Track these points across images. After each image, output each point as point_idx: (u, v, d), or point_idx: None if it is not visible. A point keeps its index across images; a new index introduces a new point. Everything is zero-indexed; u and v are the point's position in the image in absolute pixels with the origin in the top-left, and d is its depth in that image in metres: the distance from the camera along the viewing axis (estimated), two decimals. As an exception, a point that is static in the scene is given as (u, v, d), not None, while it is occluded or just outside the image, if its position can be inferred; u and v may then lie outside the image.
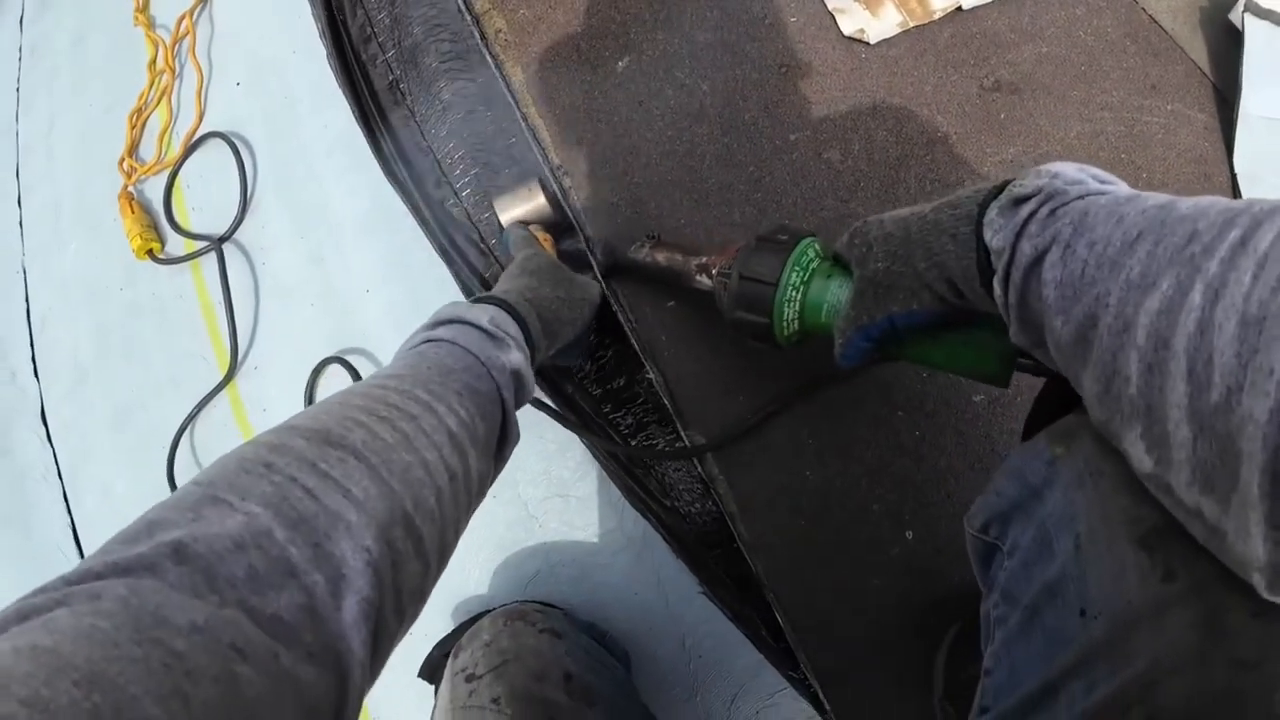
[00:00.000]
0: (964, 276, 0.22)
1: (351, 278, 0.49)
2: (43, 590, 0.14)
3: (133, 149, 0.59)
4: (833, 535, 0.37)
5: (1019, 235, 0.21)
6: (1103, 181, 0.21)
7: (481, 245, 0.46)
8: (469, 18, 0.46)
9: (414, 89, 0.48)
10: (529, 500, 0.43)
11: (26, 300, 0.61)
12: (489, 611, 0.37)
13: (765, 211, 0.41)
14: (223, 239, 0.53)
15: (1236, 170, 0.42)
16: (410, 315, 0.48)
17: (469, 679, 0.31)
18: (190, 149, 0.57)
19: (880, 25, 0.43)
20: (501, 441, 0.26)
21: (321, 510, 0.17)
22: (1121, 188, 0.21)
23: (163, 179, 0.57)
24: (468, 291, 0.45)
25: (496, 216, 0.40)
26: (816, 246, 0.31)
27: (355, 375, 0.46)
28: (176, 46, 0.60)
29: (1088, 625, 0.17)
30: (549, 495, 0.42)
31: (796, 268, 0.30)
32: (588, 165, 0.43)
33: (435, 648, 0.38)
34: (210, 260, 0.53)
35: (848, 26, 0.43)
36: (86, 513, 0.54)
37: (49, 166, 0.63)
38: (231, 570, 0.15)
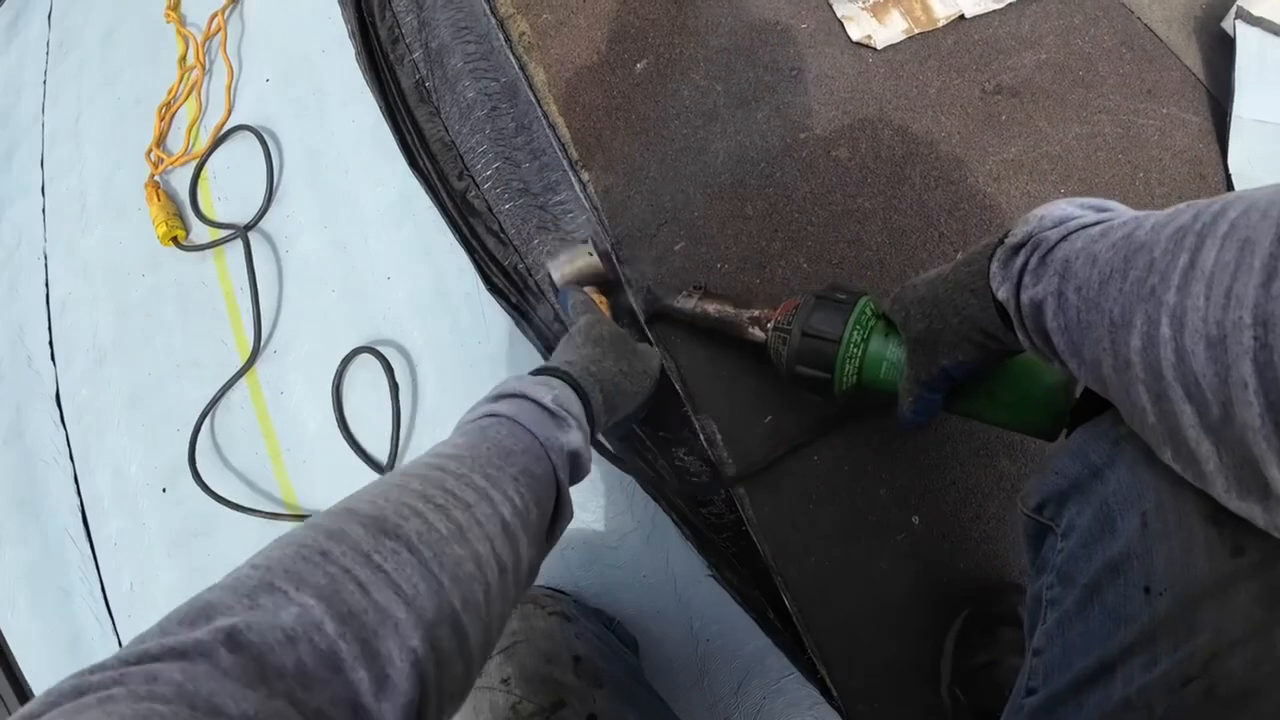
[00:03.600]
0: (991, 326, 0.25)
1: (374, 265, 0.53)
2: (100, 668, 0.14)
3: (160, 140, 0.65)
4: (840, 519, 0.40)
5: (1018, 286, 0.23)
6: (1099, 210, 0.23)
7: (500, 235, 0.50)
8: (494, 21, 0.52)
9: (439, 87, 0.54)
10: (542, 482, 0.46)
11: (46, 285, 0.65)
12: None
13: (776, 206, 0.46)
14: (248, 226, 0.57)
15: (1231, 171, 0.46)
16: (431, 301, 0.52)
17: None
18: (218, 141, 0.62)
19: (886, 32, 0.48)
20: (554, 521, 0.27)
21: (372, 606, 0.18)
22: (1114, 214, 0.22)
23: (189, 170, 0.62)
24: (486, 279, 0.49)
25: (549, 275, 0.43)
26: (872, 305, 0.35)
27: (385, 364, 0.49)
28: (207, 43, 0.66)
29: (1152, 602, 0.17)
30: (562, 478, 0.45)
31: (858, 326, 0.34)
32: (605, 160, 0.48)
33: None
34: (233, 248, 0.57)
35: (855, 33, 0.48)
36: (96, 494, 0.57)
37: (76, 156, 0.69)
38: (282, 661, 0.16)
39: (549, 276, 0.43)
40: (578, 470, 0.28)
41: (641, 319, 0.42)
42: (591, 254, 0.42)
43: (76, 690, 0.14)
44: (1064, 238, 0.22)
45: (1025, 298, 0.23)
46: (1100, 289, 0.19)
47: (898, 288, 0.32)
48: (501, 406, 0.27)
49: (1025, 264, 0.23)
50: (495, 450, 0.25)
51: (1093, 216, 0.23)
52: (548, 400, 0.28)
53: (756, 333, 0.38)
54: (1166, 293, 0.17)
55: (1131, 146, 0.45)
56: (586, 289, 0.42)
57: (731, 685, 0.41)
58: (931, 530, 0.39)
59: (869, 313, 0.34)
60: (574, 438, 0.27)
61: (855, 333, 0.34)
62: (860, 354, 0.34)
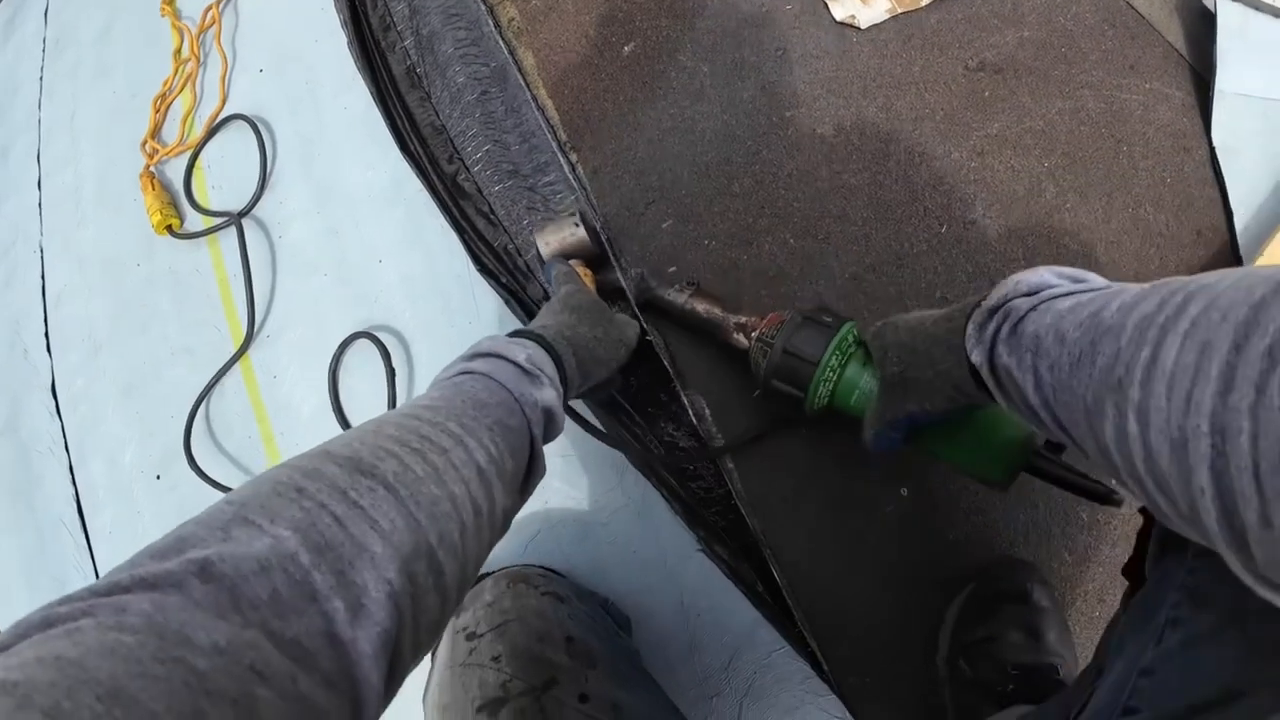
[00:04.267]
0: (963, 383, 0.26)
1: (366, 249, 0.54)
2: (69, 600, 0.14)
3: (155, 131, 0.66)
4: (828, 492, 0.40)
5: (992, 353, 0.23)
6: (1075, 280, 0.23)
7: (490, 216, 0.51)
8: (483, 7, 0.52)
9: (430, 73, 0.54)
10: (533, 460, 0.47)
11: (42, 278, 0.66)
12: (491, 573, 0.39)
13: (763, 183, 0.46)
14: (242, 213, 0.58)
15: (1215, 144, 0.46)
16: (423, 284, 0.52)
17: (470, 637, 0.33)
18: (212, 131, 0.62)
19: (870, 12, 0.49)
20: (528, 476, 0.27)
21: (348, 539, 0.17)
22: (1087, 283, 0.22)
23: (184, 161, 0.63)
24: (477, 260, 0.49)
25: (537, 249, 0.43)
26: (855, 333, 0.35)
27: (383, 349, 0.49)
28: (202, 36, 0.67)
29: None
30: (549, 454, 0.45)
31: (837, 351, 0.34)
32: (594, 141, 0.48)
33: None
34: (227, 235, 0.58)
35: (839, 13, 0.49)
36: (91, 483, 0.57)
37: (72, 150, 0.69)
38: (255, 591, 0.15)
39: (536, 249, 0.43)
40: (551, 427, 0.29)
41: (633, 302, 0.42)
42: (578, 226, 0.42)
43: (45, 622, 0.14)
44: (1034, 308, 0.22)
45: (999, 365, 0.23)
46: (1071, 371, 0.19)
47: (880, 322, 0.33)
48: (476, 364, 0.27)
49: (997, 331, 0.23)
50: (470, 402, 0.25)
51: (1067, 286, 0.23)
52: (521, 358, 0.28)
53: (740, 339, 0.38)
54: (1131, 387, 0.17)
55: (1115, 121, 0.46)
56: (572, 262, 0.43)
57: (722, 660, 0.41)
58: (920, 502, 0.40)
59: (851, 339, 0.35)
60: (547, 394, 0.28)
61: (834, 357, 0.34)
62: (835, 379, 0.34)
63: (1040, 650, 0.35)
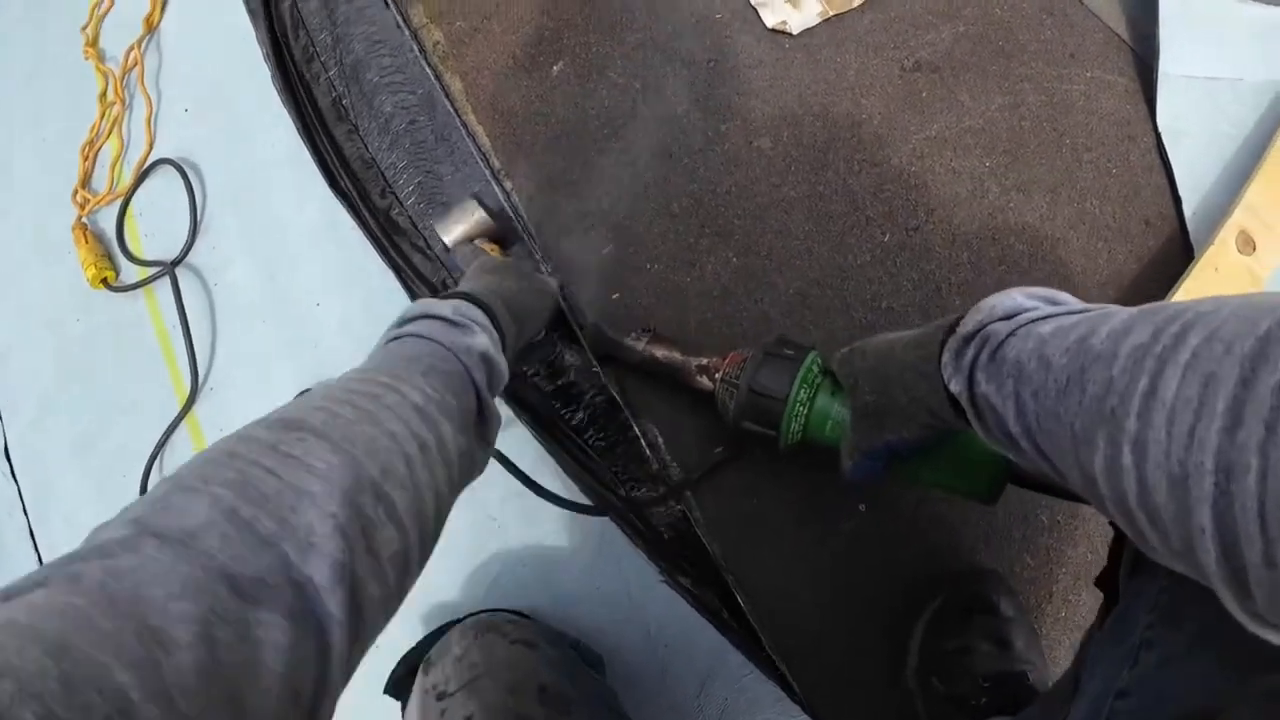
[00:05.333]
0: (941, 410, 0.25)
1: (303, 292, 0.51)
2: (28, 576, 0.14)
3: (86, 180, 0.62)
4: (786, 511, 0.38)
5: (971, 381, 0.22)
6: (1050, 302, 0.22)
7: (427, 251, 0.48)
8: (407, 32, 0.49)
9: (356, 104, 0.51)
10: (487, 501, 0.45)
11: (-14, 338, 0.62)
12: (457, 622, 0.38)
13: (701, 202, 0.44)
14: (175, 262, 0.55)
15: (1160, 128, 0.44)
16: (363, 326, 0.49)
17: (440, 696, 0.32)
18: (141, 177, 0.59)
19: (801, 16, 0.46)
20: (483, 424, 0.26)
21: (285, 486, 0.17)
22: (1064, 305, 0.22)
23: (115, 209, 0.59)
24: (415, 298, 0.47)
25: (440, 240, 0.42)
26: (820, 362, 0.34)
27: None
28: (126, 77, 0.63)
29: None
30: (507, 495, 0.44)
31: (804, 384, 0.33)
32: (528, 167, 0.46)
33: (400, 662, 0.38)
34: (163, 286, 0.55)
35: (770, 19, 0.46)
36: (52, 544, 0.55)
37: (8, 203, 0.66)
38: (207, 543, 0.16)
39: (440, 241, 0.42)
40: (494, 374, 0.28)
41: (589, 355, 0.40)
42: (478, 208, 0.40)
43: (3, 595, 0.14)
44: (1013, 332, 0.21)
45: (979, 394, 0.22)
46: (1058, 399, 0.19)
47: (845, 348, 0.31)
48: (404, 329, 0.27)
49: (976, 358, 0.22)
50: (398, 358, 0.25)
51: (1044, 309, 0.22)
52: (447, 312, 0.27)
53: (704, 382, 0.37)
54: (1127, 419, 0.16)
55: (1056, 113, 0.44)
56: (477, 242, 0.41)
57: (694, 687, 0.40)
58: (879, 517, 0.38)
59: (816, 370, 0.33)
60: (480, 340, 0.27)
61: (802, 391, 0.33)
62: (806, 412, 0.33)
63: (1010, 659, 0.34)
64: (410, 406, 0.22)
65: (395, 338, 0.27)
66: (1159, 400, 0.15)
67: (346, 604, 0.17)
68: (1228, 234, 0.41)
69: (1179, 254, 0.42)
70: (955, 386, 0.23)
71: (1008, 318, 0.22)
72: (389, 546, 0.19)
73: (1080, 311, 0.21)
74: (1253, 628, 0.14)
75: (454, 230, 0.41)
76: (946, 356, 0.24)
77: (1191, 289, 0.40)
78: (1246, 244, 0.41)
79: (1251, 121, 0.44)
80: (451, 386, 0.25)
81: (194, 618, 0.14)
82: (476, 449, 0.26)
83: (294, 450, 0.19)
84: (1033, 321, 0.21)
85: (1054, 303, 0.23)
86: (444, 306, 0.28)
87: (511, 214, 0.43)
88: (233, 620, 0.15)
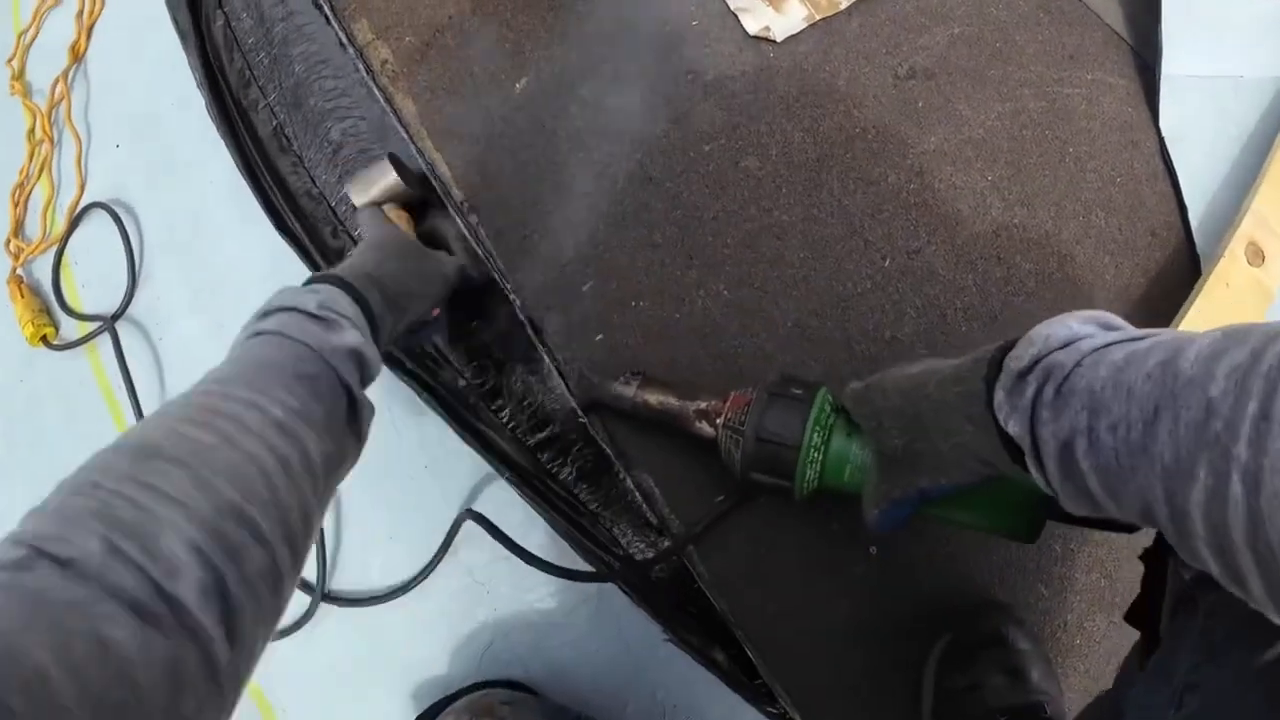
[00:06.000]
0: (993, 455, 0.22)
1: (256, 345, 0.46)
2: None
3: (18, 228, 0.55)
4: (794, 561, 0.35)
5: (1034, 420, 0.20)
6: (1105, 326, 0.21)
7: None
8: (352, 50, 0.43)
9: (300, 133, 0.45)
10: (472, 566, 0.41)
11: (-81, 402, 0.56)
12: (452, 701, 0.35)
13: (687, 230, 0.40)
14: (114, 317, 0.49)
15: (1163, 133, 0.41)
16: (327, 378, 0.45)
17: None
18: (74, 223, 0.53)
19: (786, 21, 0.41)
20: (354, 419, 0.26)
21: (146, 517, 0.18)
22: (1124, 330, 0.20)
23: (50, 257, 0.53)
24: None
25: (350, 201, 0.39)
26: (831, 399, 0.30)
27: None
28: (53, 113, 0.56)
29: None
30: (493, 558, 0.40)
31: (817, 427, 0.29)
32: (494, 197, 0.41)
33: None
34: (106, 342, 0.49)
35: (752, 25, 0.42)
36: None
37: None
38: (85, 566, 0.17)
39: (350, 203, 0.38)
40: (365, 368, 0.27)
41: (577, 406, 0.36)
42: (392, 173, 0.37)
43: None
44: (1079, 362, 0.20)
45: (1046, 434, 0.20)
46: (1145, 430, 0.17)
47: (859, 383, 0.28)
48: (266, 323, 0.26)
49: (1038, 394, 0.20)
50: (260, 365, 0.24)
51: (1103, 336, 0.20)
52: (312, 306, 0.26)
53: (705, 428, 0.33)
54: (1235, 444, 0.15)
55: (1057, 121, 0.40)
56: (386, 207, 0.38)
57: None
58: (890, 559, 0.35)
59: (828, 409, 0.30)
60: (348, 337, 0.26)
61: (815, 435, 0.29)
62: (821, 458, 0.29)
63: (1026, 690, 0.32)
64: (271, 424, 0.22)
65: (257, 333, 0.26)
66: (1275, 424, 0.14)
67: (221, 619, 0.18)
68: (1237, 246, 0.38)
69: (1186, 266, 0.40)
70: (1014, 429, 0.21)
71: (1066, 345, 0.20)
72: (257, 564, 0.20)
73: (1145, 336, 0.19)
74: None
75: (364, 192, 0.38)
76: (999, 396, 0.21)
77: (1204, 306, 0.37)
78: (1256, 255, 0.38)
79: (1254, 120, 0.41)
80: (316, 391, 0.24)
81: (90, 619, 0.16)
82: (348, 446, 0.26)
83: (153, 480, 0.19)
84: (1099, 349, 0.19)
85: (1110, 327, 0.21)
86: (309, 299, 0.26)
87: (432, 177, 0.39)
88: (121, 624, 0.16)
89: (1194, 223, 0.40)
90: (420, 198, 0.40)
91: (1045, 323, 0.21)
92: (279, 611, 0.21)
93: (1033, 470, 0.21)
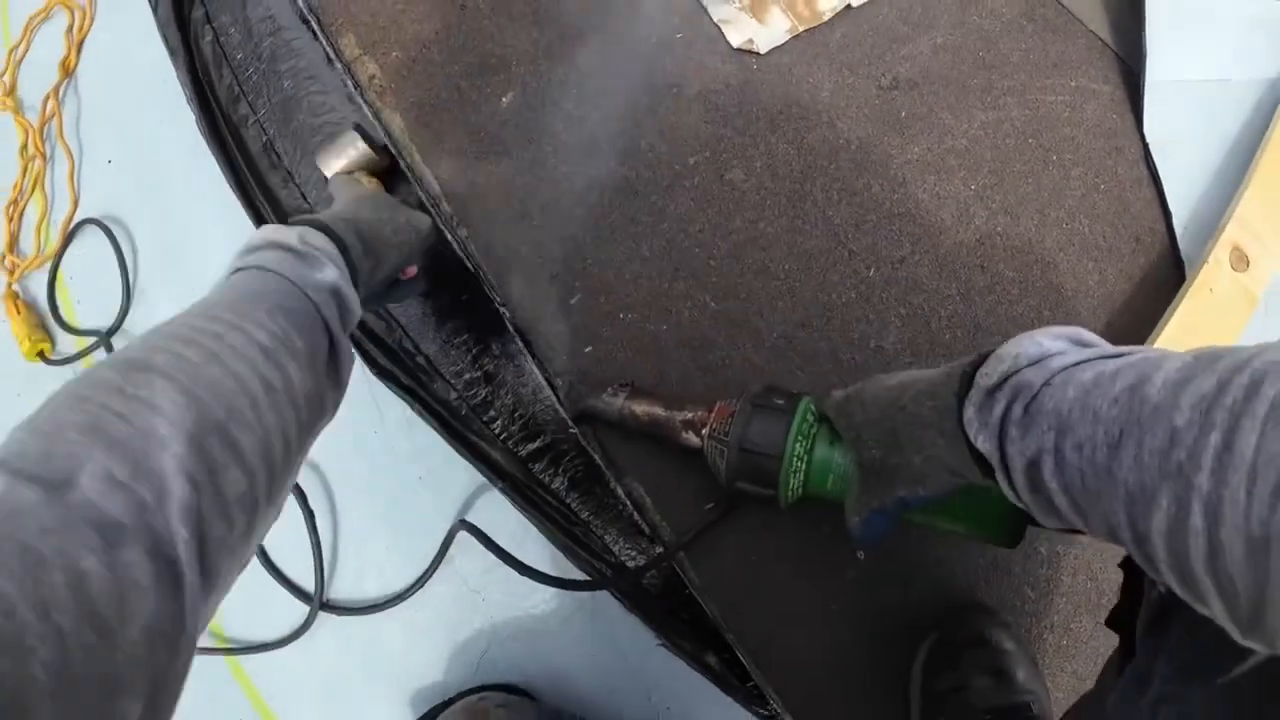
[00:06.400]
0: (964, 467, 0.23)
1: (251, 360, 0.47)
2: None
3: (13, 244, 0.56)
4: (783, 565, 0.36)
5: (1002, 438, 0.21)
6: (1077, 343, 0.21)
7: (380, 312, 0.44)
8: (339, 66, 0.44)
9: (289, 149, 0.46)
10: (467, 575, 0.42)
11: (-82, 417, 0.57)
12: (447, 705, 0.36)
13: (674, 242, 0.40)
14: (110, 332, 0.50)
15: (1148, 140, 0.42)
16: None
17: None
18: (68, 239, 0.53)
19: (769, 33, 0.42)
20: (334, 362, 0.26)
21: (135, 431, 0.18)
22: (1097, 347, 0.20)
23: (45, 272, 0.54)
24: (372, 363, 0.43)
25: (321, 174, 0.40)
26: (814, 409, 0.31)
27: (297, 490, 0.44)
28: (45, 129, 0.57)
29: None
30: (489, 566, 0.41)
31: (800, 437, 0.30)
32: (482, 212, 0.41)
33: None
34: (103, 356, 0.50)
35: (736, 38, 0.42)
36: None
37: (-76, 269, 0.60)
38: (70, 490, 0.16)
39: (321, 176, 0.40)
40: (345, 309, 0.27)
41: (567, 418, 0.37)
42: (360, 142, 0.39)
43: None
44: (1048, 381, 0.20)
45: (1013, 452, 0.20)
46: (1110, 453, 0.17)
47: (839, 393, 0.29)
48: (249, 259, 0.26)
49: (1007, 412, 0.21)
50: (242, 295, 0.24)
51: (1074, 353, 0.21)
52: (293, 241, 0.26)
53: (691, 438, 0.34)
54: (1198, 475, 0.15)
55: (1041, 128, 0.41)
56: (356, 174, 0.39)
57: None
58: (878, 564, 0.36)
59: (810, 419, 0.30)
60: (329, 274, 0.26)
61: (798, 445, 0.30)
62: (805, 466, 0.30)
63: (1010, 691, 0.33)
64: (256, 347, 0.22)
65: (239, 268, 0.26)
66: (1236, 457, 0.14)
67: (192, 543, 0.18)
68: (1221, 251, 0.39)
69: (1170, 271, 0.41)
70: (983, 445, 0.21)
71: (1036, 363, 0.21)
72: (235, 488, 0.20)
73: (1116, 355, 0.20)
74: None
75: (334, 164, 0.39)
76: (970, 412, 0.22)
77: (1188, 312, 0.38)
78: (1240, 260, 0.39)
79: (1238, 126, 0.42)
80: (298, 324, 0.24)
81: (64, 549, 0.15)
82: (327, 390, 0.25)
83: (140, 392, 0.19)
84: (1068, 367, 0.20)
85: (1081, 343, 0.21)
86: (290, 234, 0.26)
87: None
88: (97, 551, 0.16)
89: (1178, 228, 0.41)
90: (387, 166, 0.40)
91: (1016, 339, 0.21)
92: (250, 543, 0.21)
93: (1002, 484, 0.21)
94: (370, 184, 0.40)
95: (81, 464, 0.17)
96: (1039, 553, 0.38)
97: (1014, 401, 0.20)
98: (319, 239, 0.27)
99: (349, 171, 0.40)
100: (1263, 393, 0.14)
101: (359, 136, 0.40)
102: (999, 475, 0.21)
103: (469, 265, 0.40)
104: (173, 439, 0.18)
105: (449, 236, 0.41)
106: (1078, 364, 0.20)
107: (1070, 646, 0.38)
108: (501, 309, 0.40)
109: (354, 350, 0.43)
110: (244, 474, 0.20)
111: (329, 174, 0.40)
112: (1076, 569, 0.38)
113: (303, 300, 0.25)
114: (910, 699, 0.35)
